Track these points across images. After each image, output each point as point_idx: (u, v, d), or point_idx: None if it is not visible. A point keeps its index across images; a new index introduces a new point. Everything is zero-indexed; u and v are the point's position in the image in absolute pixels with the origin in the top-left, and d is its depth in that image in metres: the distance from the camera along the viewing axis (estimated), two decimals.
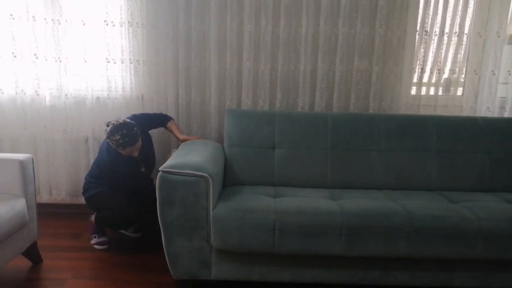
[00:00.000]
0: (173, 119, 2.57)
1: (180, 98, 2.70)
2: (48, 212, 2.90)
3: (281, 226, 1.83)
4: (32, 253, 2.21)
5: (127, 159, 2.31)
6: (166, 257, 1.94)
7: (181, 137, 2.50)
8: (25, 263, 2.21)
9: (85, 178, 2.46)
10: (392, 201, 2.03)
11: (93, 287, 2.03)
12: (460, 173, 2.32)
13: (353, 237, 1.84)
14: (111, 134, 2.19)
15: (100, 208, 2.42)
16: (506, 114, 2.65)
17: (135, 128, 2.22)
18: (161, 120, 2.54)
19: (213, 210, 1.87)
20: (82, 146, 2.81)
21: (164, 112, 2.66)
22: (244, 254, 1.90)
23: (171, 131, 2.55)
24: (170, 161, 1.94)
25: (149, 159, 2.47)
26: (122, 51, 2.65)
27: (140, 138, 2.26)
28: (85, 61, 2.67)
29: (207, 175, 1.85)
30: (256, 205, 1.91)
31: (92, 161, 2.60)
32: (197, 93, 2.69)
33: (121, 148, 2.21)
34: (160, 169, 1.86)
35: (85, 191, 2.43)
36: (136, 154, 2.29)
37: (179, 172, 1.84)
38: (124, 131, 2.17)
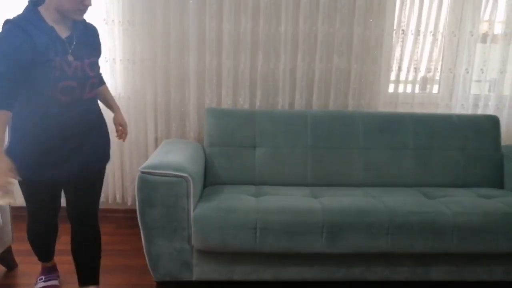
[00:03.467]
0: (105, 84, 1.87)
1: (159, 97, 2.66)
2: (23, 216, 2.81)
3: (263, 225, 1.83)
4: (7, 258, 2.14)
5: (45, 28, 1.49)
6: (147, 259, 1.91)
7: (117, 113, 1.84)
8: None
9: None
10: (371, 197, 2.07)
11: None
12: (436, 169, 2.38)
13: (334, 234, 1.86)
14: None
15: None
16: (479, 111, 2.73)
17: None
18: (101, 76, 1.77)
19: (194, 211, 1.85)
20: None
21: (142, 112, 2.62)
22: (226, 254, 1.90)
23: (102, 94, 1.80)
24: (149, 161, 1.91)
25: (87, 54, 1.61)
26: None
27: None
28: None
29: (187, 175, 1.83)
30: (237, 205, 1.90)
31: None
32: (176, 92, 2.66)
33: None
34: (140, 169, 1.83)
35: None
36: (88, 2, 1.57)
37: (160, 173, 1.82)
38: None
